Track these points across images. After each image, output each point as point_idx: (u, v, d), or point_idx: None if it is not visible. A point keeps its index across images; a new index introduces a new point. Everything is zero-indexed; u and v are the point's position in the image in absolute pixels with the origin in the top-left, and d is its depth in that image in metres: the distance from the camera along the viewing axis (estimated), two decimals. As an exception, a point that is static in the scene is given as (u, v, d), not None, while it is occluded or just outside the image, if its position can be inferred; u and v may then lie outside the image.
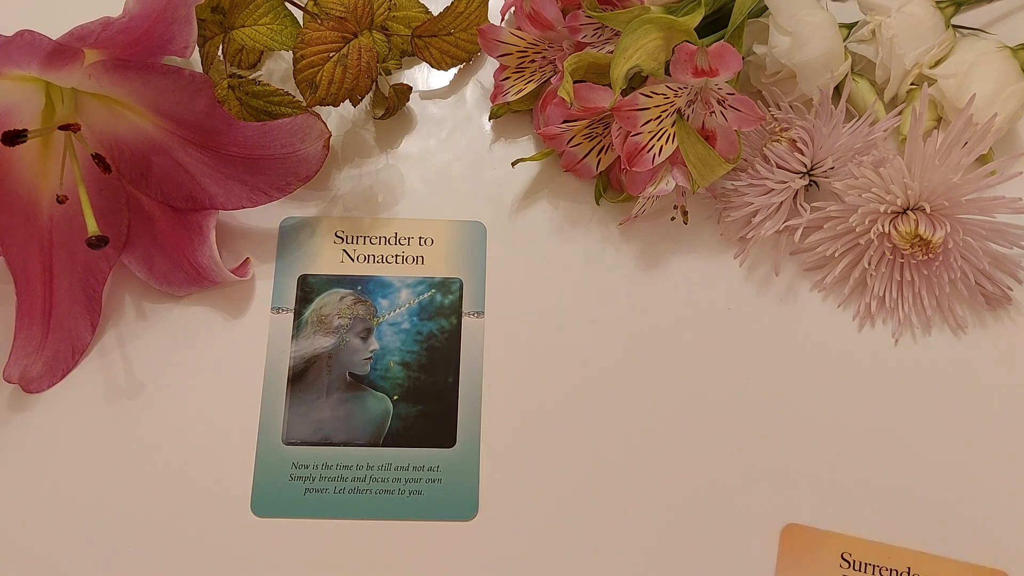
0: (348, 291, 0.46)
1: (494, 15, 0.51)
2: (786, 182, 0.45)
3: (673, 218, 0.48)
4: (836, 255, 0.45)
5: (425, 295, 0.46)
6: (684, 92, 0.43)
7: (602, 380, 0.44)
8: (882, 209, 0.44)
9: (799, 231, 0.46)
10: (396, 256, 0.47)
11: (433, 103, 0.51)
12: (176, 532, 0.41)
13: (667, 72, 0.42)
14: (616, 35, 0.45)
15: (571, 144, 0.46)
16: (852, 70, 0.48)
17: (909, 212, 0.44)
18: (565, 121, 0.45)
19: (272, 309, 0.45)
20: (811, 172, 0.46)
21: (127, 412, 0.43)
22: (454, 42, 0.48)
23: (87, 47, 0.39)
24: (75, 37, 0.38)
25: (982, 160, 0.47)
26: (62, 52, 0.38)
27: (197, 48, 0.44)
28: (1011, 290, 0.46)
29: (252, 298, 0.46)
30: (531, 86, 0.47)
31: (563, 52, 0.46)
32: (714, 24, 0.46)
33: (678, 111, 0.44)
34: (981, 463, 0.43)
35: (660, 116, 0.43)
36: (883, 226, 0.44)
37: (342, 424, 0.43)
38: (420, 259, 0.47)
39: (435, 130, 0.50)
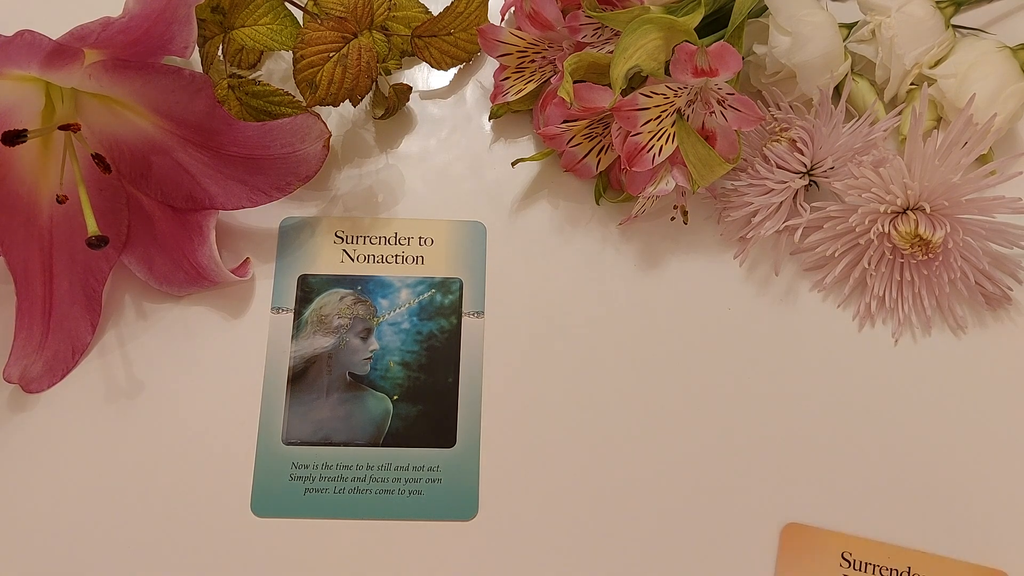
0: (348, 291, 0.46)
1: (494, 15, 0.51)
2: (786, 182, 0.45)
3: (673, 218, 0.48)
4: (836, 255, 0.45)
5: (425, 295, 0.46)
6: (684, 92, 0.43)
7: (602, 380, 0.44)
8: (882, 209, 0.44)
9: (799, 231, 0.46)
10: (396, 256, 0.47)
11: (433, 103, 0.51)
12: (176, 532, 0.41)
13: (667, 72, 0.42)
14: (616, 35, 0.45)
15: (571, 144, 0.46)
16: (852, 70, 0.48)
17: (909, 212, 0.44)
18: (565, 121, 0.45)
19: (272, 309, 0.45)
20: (811, 172, 0.46)
21: (127, 412, 0.43)
22: (454, 42, 0.48)
23: (87, 47, 0.39)
24: (75, 37, 0.38)
25: (982, 160, 0.47)
26: (62, 52, 0.38)
27: (197, 48, 0.44)
28: (1011, 290, 0.46)
29: (252, 298, 0.46)
30: (531, 86, 0.47)
31: (563, 52, 0.46)
32: (714, 24, 0.46)
33: (678, 111, 0.44)
34: (981, 463, 0.43)
35: (660, 116, 0.43)
36: (883, 226, 0.44)
37: (342, 424, 0.43)
38: (420, 259, 0.47)
39: (435, 130, 0.50)
